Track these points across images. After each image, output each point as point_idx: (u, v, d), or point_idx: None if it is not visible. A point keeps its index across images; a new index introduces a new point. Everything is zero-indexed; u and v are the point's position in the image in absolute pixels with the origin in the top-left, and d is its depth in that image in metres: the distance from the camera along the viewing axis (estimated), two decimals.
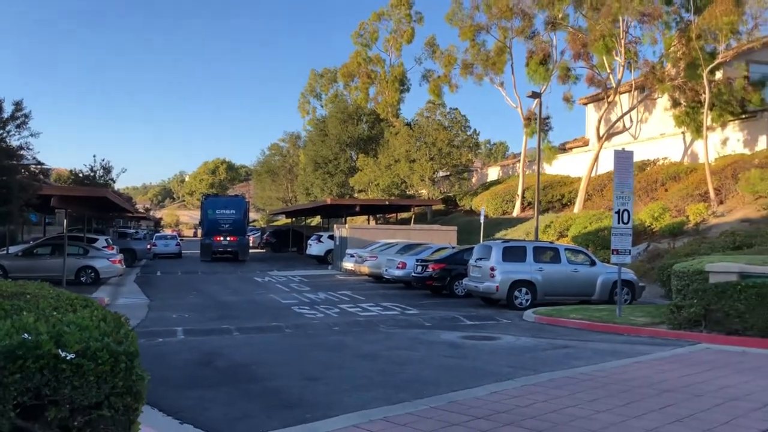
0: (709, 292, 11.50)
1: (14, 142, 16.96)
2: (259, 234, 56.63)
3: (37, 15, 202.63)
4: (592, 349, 10.62)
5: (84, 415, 3.03)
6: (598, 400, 6.92)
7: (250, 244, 43.83)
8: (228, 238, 36.96)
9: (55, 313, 3.46)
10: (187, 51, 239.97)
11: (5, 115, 16.59)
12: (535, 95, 26.57)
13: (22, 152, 16.45)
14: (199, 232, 60.07)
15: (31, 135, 16.97)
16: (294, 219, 59.92)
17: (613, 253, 13.99)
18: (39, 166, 19.87)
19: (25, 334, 2.93)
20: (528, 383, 7.87)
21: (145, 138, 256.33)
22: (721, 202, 25.93)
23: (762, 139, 29.64)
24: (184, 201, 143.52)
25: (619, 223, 13.69)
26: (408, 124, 48.99)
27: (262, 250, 50.69)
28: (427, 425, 6.03)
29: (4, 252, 24.46)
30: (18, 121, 17.03)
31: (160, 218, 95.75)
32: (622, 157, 13.81)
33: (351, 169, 51.36)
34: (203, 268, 32.15)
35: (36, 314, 3.28)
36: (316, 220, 61.98)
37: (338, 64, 60.56)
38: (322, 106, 64.45)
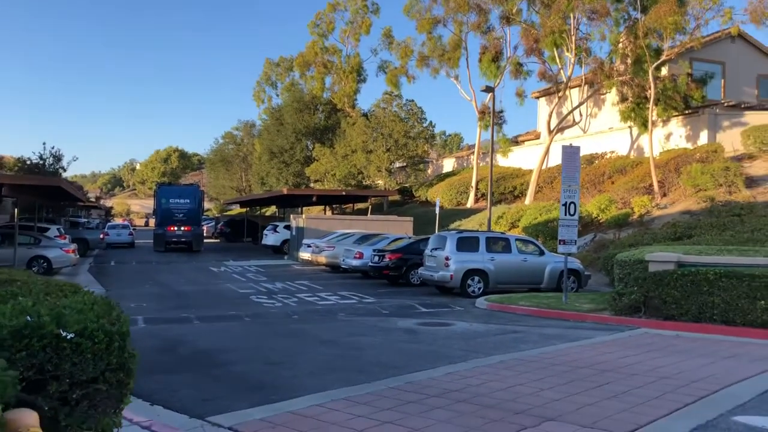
0: (649, 280, 12.27)
1: None
2: (214, 224, 56.22)
3: None
4: (539, 333, 11.25)
5: (82, 388, 3.35)
6: (543, 380, 7.48)
7: (204, 234, 43.49)
8: (182, 228, 36.35)
9: (48, 298, 3.75)
10: (140, 36, 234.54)
11: None
12: (489, 89, 27.25)
13: None
14: (151, 221, 59.20)
15: None
16: (249, 209, 59.68)
17: (560, 244, 14.71)
18: None
19: (28, 317, 3.24)
20: (479, 365, 8.40)
21: (93, 125, 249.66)
22: (664, 195, 27.11)
23: (703, 134, 31.01)
24: (135, 190, 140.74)
25: (566, 214, 14.40)
26: (365, 115, 49.30)
27: (216, 240, 50.41)
28: (386, 403, 6.48)
29: None
30: None
31: (111, 207, 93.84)
32: (570, 152, 14.51)
33: (307, 158, 51.45)
34: (157, 258, 31.96)
35: (32, 299, 3.57)
36: (272, 210, 61.86)
37: (294, 53, 60.26)
38: (277, 95, 64.19)
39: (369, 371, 8.09)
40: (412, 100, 48.02)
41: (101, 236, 37.29)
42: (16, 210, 22.80)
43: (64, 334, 3.22)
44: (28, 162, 35.55)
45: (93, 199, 65.72)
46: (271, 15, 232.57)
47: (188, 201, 37.12)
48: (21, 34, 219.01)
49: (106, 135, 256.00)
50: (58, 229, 29.33)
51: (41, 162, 35.18)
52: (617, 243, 22.80)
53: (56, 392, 3.28)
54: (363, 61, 52.69)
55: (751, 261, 11.89)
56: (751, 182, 25.59)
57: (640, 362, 8.55)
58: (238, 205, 62.47)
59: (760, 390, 7.03)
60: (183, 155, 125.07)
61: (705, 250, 13.85)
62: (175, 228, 36.35)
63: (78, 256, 25.17)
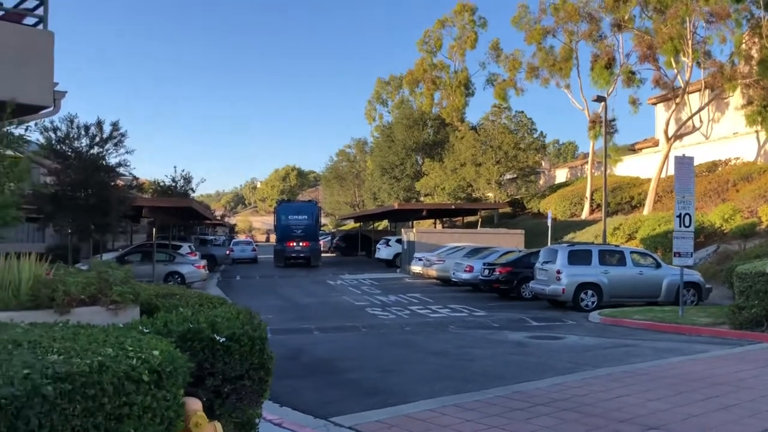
0: None
1: (112, 159, 18.73)
2: (330, 238, 58.29)
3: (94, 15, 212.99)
4: (651, 347, 11.17)
5: (231, 384, 4.06)
6: (651, 391, 7.59)
7: (321, 249, 45.05)
8: (300, 244, 37.40)
9: (201, 308, 4.51)
10: (253, 62, 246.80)
11: (104, 134, 18.37)
12: (600, 99, 26.81)
13: (120, 169, 18.13)
14: (272, 237, 62.26)
15: (127, 152, 18.71)
16: (362, 223, 61.37)
17: (675, 256, 14.41)
18: (134, 180, 21.69)
19: (190, 324, 3.98)
20: (587, 377, 8.59)
21: (216, 147, 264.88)
22: None
23: None
24: (256, 207, 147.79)
25: (680, 226, 14.11)
26: (473, 128, 49.55)
27: (332, 254, 52.24)
28: (494, 410, 6.89)
29: (99, 260, 26.55)
30: (115, 140, 18.79)
31: (234, 224, 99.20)
32: (683, 163, 14.22)
33: (417, 173, 52.31)
34: (279, 273, 33.71)
35: (190, 309, 4.33)
36: (384, 224, 63.22)
37: (404, 71, 61.52)
38: (388, 113, 65.72)
39: (477, 381, 8.50)
40: (522, 112, 47.78)
41: (227, 252, 39.78)
42: (153, 230, 24.95)
43: (218, 338, 3.94)
44: (162, 185, 38.64)
45: (218, 217, 69.93)
46: (381, 35, 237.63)
47: (306, 217, 38.28)
48: (138, 60, 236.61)
49: (230, 156, 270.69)
50: (189, 246, 31.70)
51: (173, 184, 38.16)
52: (742, 254, 21.73)
53: (212, 386, 4.00)
54: (471, 75, 53.12)
55: None
56: None
57: (755, 377, 8.41)
58: (352, 220, 64.35)
59: None
60: (300, 173, 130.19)
61: None
62: (294, 244, 37.40)
63: (207, 272, 27.14)
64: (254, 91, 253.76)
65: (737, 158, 32.73)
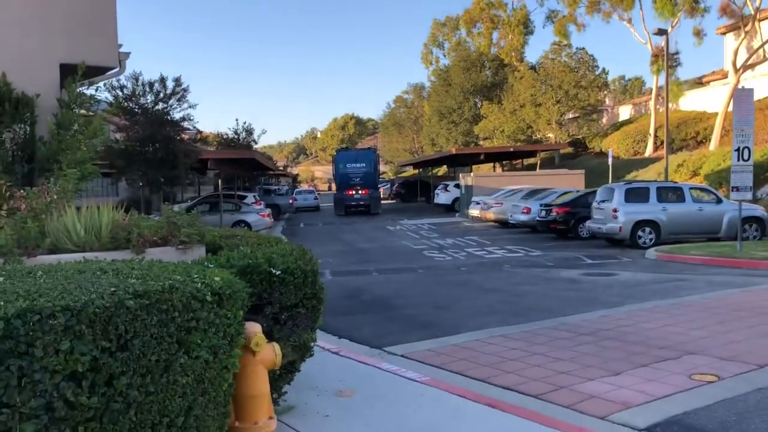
0: None
1: (176, 114, 19.58)
2: (389, 186, 58.80)
3: None
4: (705, 281, 11.24)
5: (288, 311, 4.57)
6: (695, 320, 7.81)
7: (381, 196, 45.24)
8: (360, 192, 37.19)
9: (259, 246, 5.01)
10: (307, 10, 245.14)
11: (168, 90, 19.16)
12: (662, 32, 25.84)
13: (184, 123, 18.97)
14: (333, 185, 63.16)
15: (190, 107, 19.49)
16: (421, 170, 61.53)
17: (733, 191, 14.19)
18: (199, 134, 22.58)
19: (249, 260, 4.48)
20: (634, 309, 8.84)
21: (277, 97, 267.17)
22: None
23: None
24: (317, 157, 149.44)
25: (739, 160, 13.85)
26: (533, 68, 48.52)
27: (392, 201, 52.82)
28: (539, 339, 7.28)
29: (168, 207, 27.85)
30: (178, 96, 19.59)
31: (297, 174, 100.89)
32: (742, 96, 13.84)
33: (475, 117, 51.85)
34: (340, 220, 34.51)
35: (250, 248, 4.83)
36: (443, 170, 63.21)
37: (460, 11, 60.24)
38: (445, 56, 64.82)
39: (527, 314, 8.87)
40: (583, 48, 46.38)
41: (290, 201, 40.86)
42: (219, 181, 25.94)
43: (274, 271, 4.43)
44: (225, 137, 39.79)
45: (281, 168, 71.35)
46: None
47: (364, 165, 37.92)
48: (197, 11, 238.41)
49: (290, 107, 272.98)
50: (254, 196, 32.77)
51: (236, 136, 39.24)
52: None
53: (270, 314, 4.51)
54: (530, 13, 51.75)
55: None
56: None
57: None
58: (411, 166, 64.55)
59: None
60: (359, 122, 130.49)
61: None
62: (354, 192, 37.18)
63: (272, 220, 28.13)
64: (310, 41, 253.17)
65: None
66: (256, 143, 41.24)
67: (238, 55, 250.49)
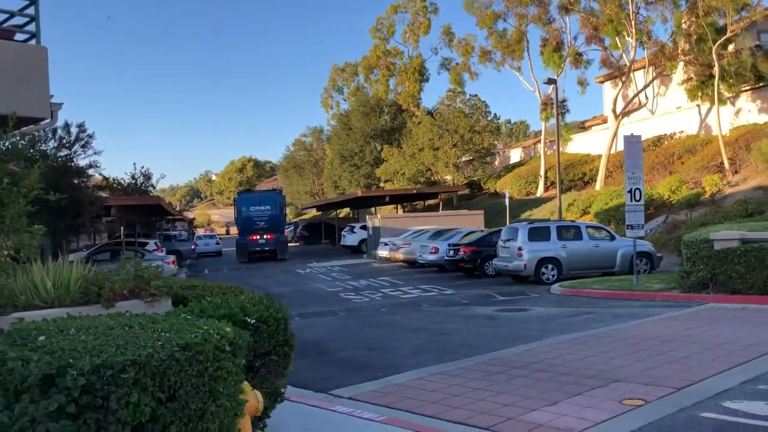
0: (714, 257, 12.95)
1: (81, 161, 18.95)
2: (292, 228, 58.60)
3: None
4: (610, 313, 12.17)
5: (261, 359, 4.72)
6: (612, 351, 8.51)
7: (288, 240, 43.65)
8: (265, 236, 35.13)
9: (225, 296, 5.14)
10: (206, 53, 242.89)
11: (72, 137, 18.56)
12: (551, 81, 27.88)
13: (89, 170, 18.40)
14: (232, 229, 61.82)
15: (95, 153, 18.94)
16: (323, 212, 61.81)
17: (627, 228, 15.49)
18: (105, 180, 21.87)
19: (223, 310, 4.62)
20: (554, 342, 9.48)
21: (169, 140, 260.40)
22: (735, 172, 27.09)
23: None
24: (213, 200, 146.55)
25: (631, 201, 15.17)
26: (429, 113, 50.45)
27: (296, 244, 52.61)
28: (475, 375, 7.70)
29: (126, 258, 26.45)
30: (83, 142, 19.00)
31: (193, 218, 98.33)
32: (631, 141, 15.26)
33: (376, 160, 53.00)
34: (246, 264, 33.98)
35: (218, 298, 4.95)
36: (345, 212, 63.81)
37: (359, 58, 61.90)
38: (344, 100, 66.07)
39: (456, 351, 9.30)
40: (476, 95, 48.93)
41: (192, 247, 39.83)
42: (122, 228, 25.12)
43: (249, 320, 4.58)
44: (122, 182, 38.46)
45: (178, 212, 69.42)
46: (335, 23, 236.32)
47: (269, 208, 35.84)
48: (85, 52, 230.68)
49: (181, 149, 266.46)
50: (155, 242, 31.85)
51: (133, 182, 38.04)
52: (689, 223, 23.14)
53: (245, 360, 4.66)
54: (425, 61, 53.90)
55: None
56: None
57: (702, 332, 9.42)
58: (314, 209, 64.69)
59: None
60: (257, 164, 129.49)
61: None
62: (258, 237, 35.17)
63: (177, 267, 27.41)
64: (203, 83, 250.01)
65: (681, 132, 34.39)
66: (154, 188, 40.15)
67: (128, 96, 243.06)
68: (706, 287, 13.15)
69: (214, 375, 2.85)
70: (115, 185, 38.93)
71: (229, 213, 58.12)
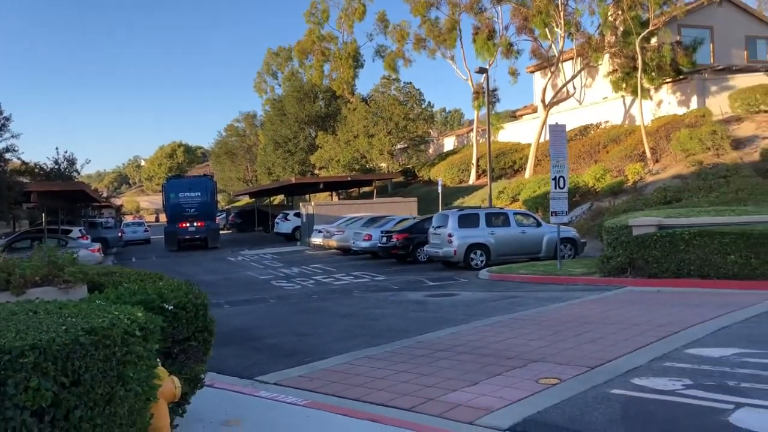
0: (632, 243, 13.54)
1: None
2: (224, 215, 57.65)
3: None
4: (534, 297, 12.57)
5: (179, 345, 4.68)
6: (533, 333, 8.81)
7: (220, 228, 42.35)
8: (195, 224, 34.07)
9: (143, 283, 5.06)
10: (138, 32, 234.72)
11: None
12: (482, 71, 28.33)
13: (7, 155, 17.59)
14: (162, 216, 60.11)
15: (13, 136, 18.09)
16: (257, 199, 61.06)
17: (552, 215, 15.98)
18: (24, 165, 20.96)
19: (140, 296, 4.55)
20: (479, 325, 9.73)
21: (95, 124, 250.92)
22: (656, 161, 28.26)
23: (693, 99, 32.02)
24: (142, 186, 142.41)
25: (556, 188, 15.65)
26: (364, 100, 50.42)
27: (228, 231, 51.83)
28: (401, 358, 7.83)
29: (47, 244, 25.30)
30: None
31: (121, 205, 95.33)
32: (557, 130, 15.72)
33: (311, 146, 52.64)
34: (176, 253, 33.23)
35: (136, 284, 4.87)
36: (279, 199, 63.22)
37: (293, 42, 61.06)
38: (279, 85, 65.26)
39: (384, 336, 9.43)
40: (410, 83, 49.31)
41: (119, 234, 38.65)
42: (43, 215, 24.16)
43: (167, 306, 4.54)
44: (44, 168, 36.85)
45: (105, 199, 67.19)
46: (270, 5, 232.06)
47: (200, 194, 34.71)
48: (12, 34, 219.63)
49: (109, 133, 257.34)
50: (80, 230, 30.71)
51: (56, 167, 36.51)
52: (612, 210, 24.02)
53: (162, 348, 4.60)
54: (359, 47, 53.68)
55: (723, 220, 13.14)
56: (739, 144, 26.69)
57: (619, 314, 9.86)
58: (247, 195, 63.83)
59: (714, 329, 8.34)
60: (188, 149, 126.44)
61: (685, 212, 15.10)
62: (188, 224, 34.09)
63: (102, 255, 26.58)
64: (134, 63, 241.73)
65: (606, 122, 35.58)
66: (78, 173, 38.67)
67: (53, 80, 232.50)
68: (625, 272, 13.73)
69: (122, 359, 2.82)
70: (36, 170, 37.44)
71: (159, 200, 56.48)
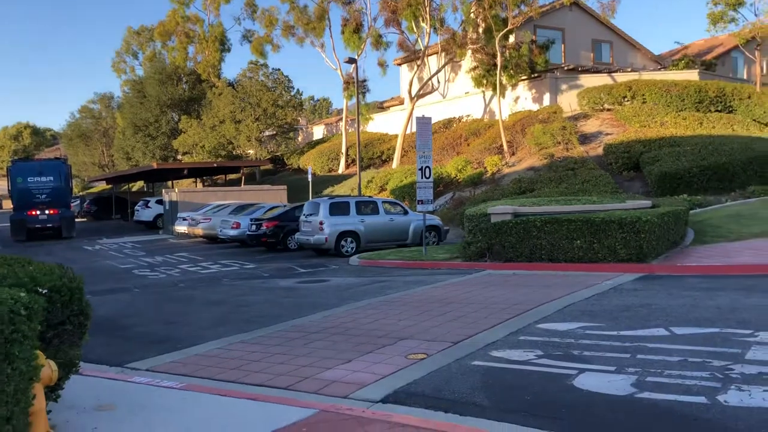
0: (491, 230, 14.49)
1: None
2: (79, 202, 54.17)
3: None
4: (402, 281, 13.14)
5: (54, 329, 4.58)
6: (401, 314, 9.29)
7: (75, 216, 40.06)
8: (47, 212, 31.77)
9: (11, 267, 4.86)
10: None
11: None
12: (351, 61, 28.76)
13: None
14: (6, 203, 55.29)
15: None
16: (114, 185, 57.97)
17: (418, 204, 16.71)
18: None
19: (11, 280, 4.41)
20: (350, 308, 10.09)
21: None
22: (513, 154, 30.13)
23: (546, 96, 34.43)
24: None
25: (422, 178, 16.37)
26: (231, 85, 49.34)
27: (83, 219, 48.81)
28: (275, 341, 8.01)
29: None
30: None
31: None
32: (423, 122, 16.42)
33: (173, 131, 50.79)
34: (24, 243, 30.96)
35: (5, 268, 4.69)
36: (139, 185, 60.43)
37: (156, 22, 58.39)
38: (140, 65, 62.21)
39: (257, 321, 9.53)
40: (279, 69, 48.70)
41: None
42: None
43: (40, 290, 4.44)
44: None
45: None
46: None
47: (52, 179, 32.19)
48: None
49: None
50: None
51: None
52: (472, 200, 25.38)
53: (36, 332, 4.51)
54: (226, 30, 52.45)
55: (570, 209, 14.41)
56: (585, 139, 29.09)
57: (479, 295, 10.61)
58: (104, 181, 60.37)
59: (562, 306, 9.23)
60: (36, 131, 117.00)
61: (537, 201, 16.35)
62: (38, 212, 31.67)
63: None
64: None
65: (468, 115, 37.37)
66: None
67: None
68: (484, 256, 14.68)
69: (10, 338, 2.83)
70: None
71: (3, 185, 52.06)
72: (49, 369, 4.12)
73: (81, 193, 70.86)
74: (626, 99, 30.81)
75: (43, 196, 31.99)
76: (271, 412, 5.14)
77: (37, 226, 31.64)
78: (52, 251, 25.62)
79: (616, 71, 35.98)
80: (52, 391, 4.76)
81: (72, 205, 41.16)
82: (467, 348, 7.09)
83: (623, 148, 25.34)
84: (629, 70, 36.90)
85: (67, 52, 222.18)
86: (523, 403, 5.30)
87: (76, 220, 43.85)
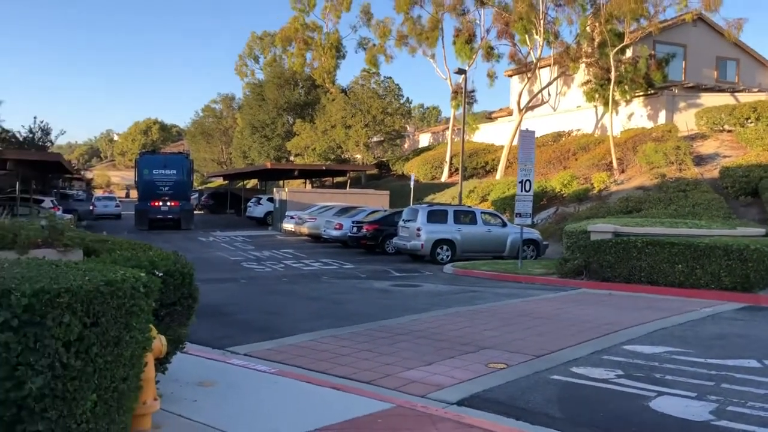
0: (589, 247, 14.31)
1: None
2: (197, 196, 57.57)
3: None
4: (493, 292, 13.26)
5: (166, 308, 5.19)
6: (487, 323, 9.47)
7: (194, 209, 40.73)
8: (169, 203, 32.76)
9: (135, 251, 5.55)
10: (120, 7, 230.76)
11: None
12: (461, 72, 28.99)
13: None
14: (132, 193, 59.53)
15: None
16: (230, 181, 61.11)
17: (516, 216, 16.72)
18: (4, 132, 21.02)
19: (134, 262, 5.05)
20: (438, 314, 10.37)
21: (69, 95, 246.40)
22: (622, 171, 29.24)
23: (661, 114, 33.12)
24: (113, 161, 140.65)
25: (522, 191, 16.38)
26: (344, 91, 50.82)
27: (200, 212, 51.82)
28: (363, 338, 8.42)
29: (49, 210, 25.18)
30: None
31: (91, 179, 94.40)
32: (526, 136, 16.44)
33: (288, 133, 52.91)
34: (146, 231, 33.13)
35: (129, 252, 5.36)
36: (253, 183, 63.34)
37: (278, 28, 61.11)
38: (260, 70, 65.28)
39: (349, 318, 10.01)
40: (390, 78, 49.69)
41: (91, 208, 38.55)
42: (17, 183, 24.21)
43: (157, 273, 5.05)
44: (17, 136, 36.61)
45: (76, 172, 66.55)
46: None
47: (175, 172, 33.57)
48: None
49: (82, 105, 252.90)
50: (51, 201, 30.78)
51: (31, 136, 36.35)
52: (576, 216, 24.91)
53: (151, 309, 5.13)
54: (342, 38, 54.09)
55: (674, 231, 13.98)
56: (700, 160, 27.78)
57: (569, 312, 10.58)
58: (222, 177, 63.79)
59: (652, 330, 9.09)
60: (163, 127, 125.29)
61: (641, 222, 15.93)
62: (160, 203, 32.78)
63: (75, 227, 26.68)
64: (112, 34, 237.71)
65: (578, 130, 36.55)
66: (52, 144, 38.59)
67: (31, 47, 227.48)
68: (581, 274, 14.51)
69: (130, 310, 3.35)
70: (9, 138, 37.17)
71: (130, 176, 56.05)
72: (159, 342, 4.69)
73: (200, 187, 75.11)
74: (749, 120, 29.12)
75: (166, 188, 33.43)
76: (351, 402, 5.53)
77: (159, 216, 32.84)
78: (170, 239, 27.47)
79: (740, 91, 34.08)
80: (161, 364, 5.37)
81: (191, 198, 43.38)
82: (548, 362, 7.20)
83: (742, 172, 24.02)
84: (756, 90, 34.84)
85: (197, 54, 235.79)
86: (595, 419, 5.40)
87: (195, 212, 46.12)
